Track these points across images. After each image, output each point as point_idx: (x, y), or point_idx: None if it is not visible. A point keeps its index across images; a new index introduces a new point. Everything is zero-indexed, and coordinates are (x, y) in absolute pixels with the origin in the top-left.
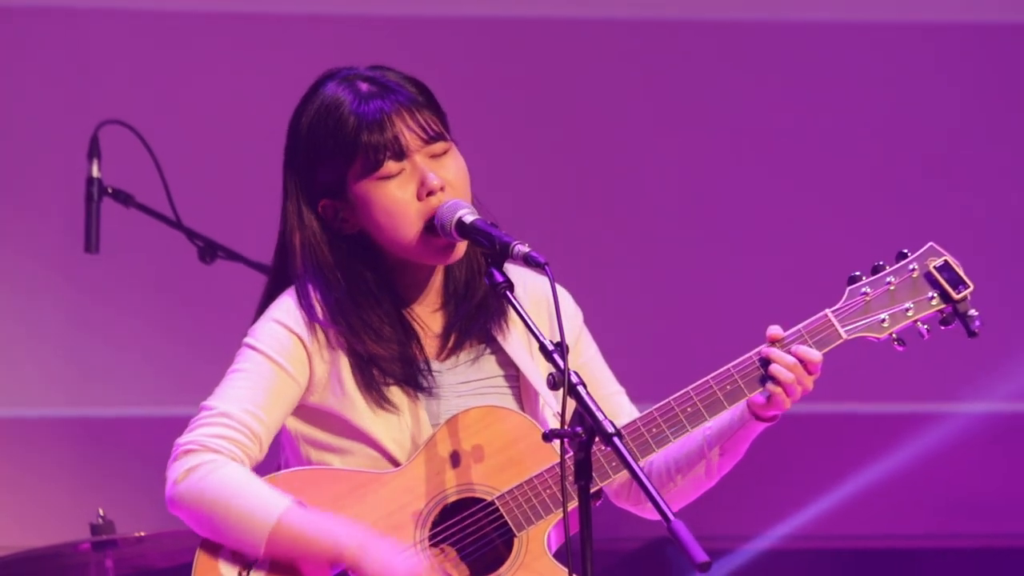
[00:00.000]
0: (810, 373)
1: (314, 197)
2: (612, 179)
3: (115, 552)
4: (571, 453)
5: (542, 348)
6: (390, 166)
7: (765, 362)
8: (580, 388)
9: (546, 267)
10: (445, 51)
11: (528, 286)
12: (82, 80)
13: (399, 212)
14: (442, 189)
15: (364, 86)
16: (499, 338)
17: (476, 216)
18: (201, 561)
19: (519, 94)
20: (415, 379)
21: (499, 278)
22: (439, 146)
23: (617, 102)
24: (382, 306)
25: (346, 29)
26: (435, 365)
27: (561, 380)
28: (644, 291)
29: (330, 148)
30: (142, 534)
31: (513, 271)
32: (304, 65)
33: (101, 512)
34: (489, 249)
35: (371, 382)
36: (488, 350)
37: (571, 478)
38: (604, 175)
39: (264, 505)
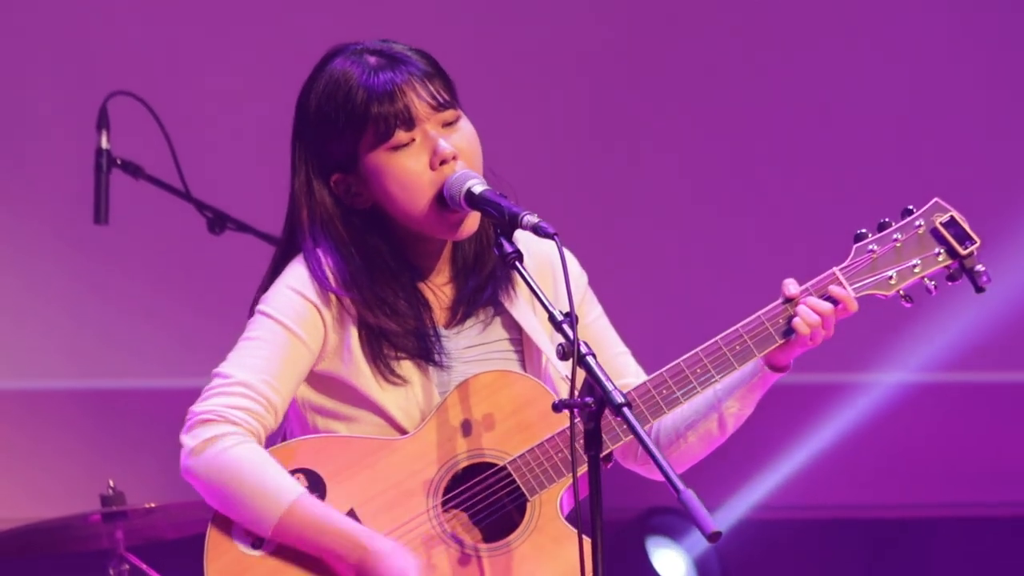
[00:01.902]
0: (840, 317)
1: (326, 172)
2: (620, 147)
3: (125, 523)
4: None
5: (551, 318)
6: (400, 135)
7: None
8: (590, 358)
9: (555, 237)
10: (447, 17)
11: (533, 251)
12: (91, 51)
13: (412, 183)
14: (455, 158)
15: (372, 59)
16: (506, 303)
17: (485, 186)
18: (214, 534)
19: (524, 61)
20: (428, 352)
21: (508, 248)
22: (449, 114)
23: (627, 71)
24: (397, 280)
25: None
26: (442, 331)
27: (571, 350)
28: (651, 259)
29: (341, 122)
30: (152, 505)
31: (518, 236)
32: (314, 35)
33: (111, 483)
34: (498, 219)
35: (379, 354)
36: (495, 315)
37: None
38: (612, 144)
39: (279, 488)
